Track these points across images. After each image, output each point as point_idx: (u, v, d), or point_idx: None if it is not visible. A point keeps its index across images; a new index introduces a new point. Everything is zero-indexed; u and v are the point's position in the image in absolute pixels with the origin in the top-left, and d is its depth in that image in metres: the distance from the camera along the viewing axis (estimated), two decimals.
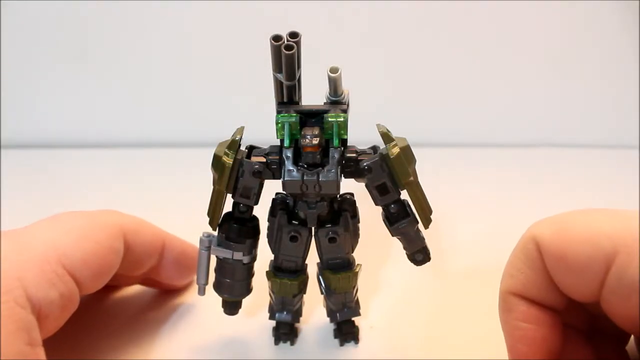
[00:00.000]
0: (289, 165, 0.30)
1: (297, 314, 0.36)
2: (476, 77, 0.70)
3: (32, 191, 0.62)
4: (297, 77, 0.30)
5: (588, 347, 0.28)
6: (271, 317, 0.36)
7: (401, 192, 0.32)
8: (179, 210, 0.50)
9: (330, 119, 0.30)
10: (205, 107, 0.72)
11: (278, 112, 0.31)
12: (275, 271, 0.35)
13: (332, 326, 0.37)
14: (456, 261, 0.45)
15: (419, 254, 0.33)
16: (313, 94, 0.32)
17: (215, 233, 0.33)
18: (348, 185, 0.32)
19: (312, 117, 0.31)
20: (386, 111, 0.68)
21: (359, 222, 0.34)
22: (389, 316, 0.39)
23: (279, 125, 0.30)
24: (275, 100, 0.31)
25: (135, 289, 0.41)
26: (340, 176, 0.31)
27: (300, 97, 0.31)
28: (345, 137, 0.30)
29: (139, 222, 0.36)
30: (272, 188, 0.33)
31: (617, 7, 0.66)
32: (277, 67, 0.29)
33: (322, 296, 0.36)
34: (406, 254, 0.33)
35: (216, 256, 0.34)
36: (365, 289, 0.38)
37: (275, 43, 0.29)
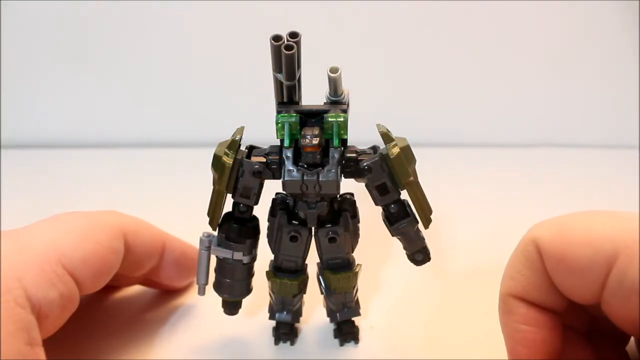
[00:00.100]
0: (289, 165, 0.30)
1: (297, 314, 0.36)
2: (476, 77, 0.70)
3: (32, 191, 0.62)
4: (297, 77, 0.30)
5: (588, 349, 0.28)
6: (271, 317, 0.36)
7: (401, 192, 0.32)
8: (179, 210, 0.50)
9: (330, 119, 0.30)
10: (205, 107, 0.72)
11: (278, 112, 0.31)
12: (275, 271, 0.35)
13: (332, 326, 0.37)
14: (456, 261, 0.45)
15: (419, 254, 0.33)
16: (313, 94, 0.32)
17: (215, 233, 0.33)
18: (348, 185, 0.32)
19: (312, 117, 0.31)
20: (386, 111, 0.68)
21: (359, 222, 0.34)
22: (389, 316, 0.39)
23: (279, 125, 0.30)
24: (275, 100, 0.31)
25: (135, 289, 0.41)
26: (340, 176, 0.31)
27: (300, 97, 0.31)
28: (345, 137, 0.30)
29: (139, 223, 0.36)
30: (272, 188, 0.33)
31: (617, 7, 0.66)
32: (277, 67, 0.29)
33: (322, 296, 0.36)
34: (406, 254, 0.33)
35: (216, 256, 0.34)
36: (365, 289, 0.38)
37: (275, 43, 0.29)
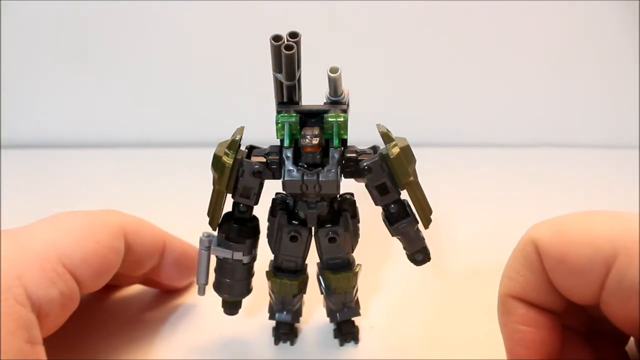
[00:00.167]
0: (289, 165, 0.30)
1: (297, 314, 0.36)
2: (476, 77, 0.70)
3: (32, 191, 0.62)
4: (297, 77, 0.30)
5: (587, 349, 0.28)
6: (271, 317, 0.36)
7: (401, 192, 0.32)
8: (179, 210, 0.50)
9: (330, 119, 0.30)
10: (205, 107, 0.72)
11: (278, 112, 0.31)
12: (275, 271, 0.35)
13: (332, 326, 0.37)
14: (456, 261, 0.45)
15: (419, 254, 0.33)
16: (313, 94, 0.32)
17: (215, 233, 0.33)
18: (348, 185, 0.32)
19: (312, 117, 0.31)
20: (386, 111, 0.68)
21: (359, 222, 0.34)
22: (389, 316, 0.39)
23: (279, 125, 0.30)
24: (275, 100, 0.31)
25: (135, 288, 0.41)
26: (340, 176, 0.31)
27: (300, 97, 0.31)
28: (345, 137, 0.30)
29: (140, 222, 0.36)
30: (272, 188, 0.33)
31: (617, 7, 0.66)
32: (277, 67, 0.29)
33: (322, 296, 0.36)
34: (406, 254, 0.33)
35: (216, 256, 0.34)
36: (365, 289, 0.38)
37: (275, 43, 0.29)
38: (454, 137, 0.72)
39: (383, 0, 0.66)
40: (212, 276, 0.34)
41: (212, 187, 0.32)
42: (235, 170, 0.31)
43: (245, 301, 0.35)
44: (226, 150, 0.31)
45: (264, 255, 0.35)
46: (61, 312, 0.29)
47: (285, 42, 0.28)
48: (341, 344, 0.36)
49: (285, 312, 0.36)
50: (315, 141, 0.30)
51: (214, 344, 0.36)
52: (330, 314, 0.36)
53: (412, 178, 0.31)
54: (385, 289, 0.42)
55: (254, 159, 0.32)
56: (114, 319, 0.38)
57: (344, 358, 0.35)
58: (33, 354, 0.26)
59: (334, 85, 0.30)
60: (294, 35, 0.29)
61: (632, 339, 0.28)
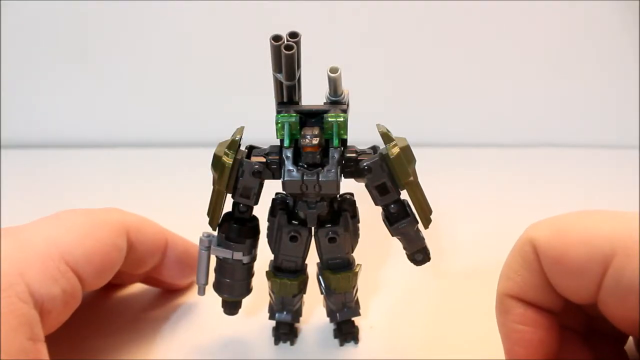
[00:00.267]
0: (288, 165, 0.30)
1: (297, 314, 0.36)
2: (476, 77, 0.70)
3: (32, 191, 0.62)
4: (297, 77, 0.30)
5: (586, 349, 0.28)
6: (271, 317, 0.36)
7: (401, 192, 0.32)
8: (179, 210, 0.50)
9: (330, 119, 0.30)
10: (206, 107, 0.72)
11: (278, 112, 0.31)
12: (275, 271, 0.35)
13: (332, 326, 0.37)
14: (456, 261, 0.45)
15: (418, 254, 0.33)
16: (313, 94, 0.32)
17: (215, 233, 0.33)
18: (348, 185, 0.32)
19: (312, 117, 0.31)
20: (386, 111, 0.68)
21: (359, 222, 0.34)
22: (389, 316, 0.39)
23: (279, 125, 0.30)
24: (275, 100, 0.31)
25: (136, 288, 0.41)
26: (340, 176, 0.31)
27: (300, 97, 0.31)
28: (345, 137, 0.30)
29: (142, 220, 0.36)
30: (272, 188, 0.33)
31: (617, 7, 0.66)
32: (277, 67, 0.29)
33: (322, 296, 0.36)
34: (406, 254, 0.33)
35: (216, 256, 0.34)
36: (365, 289, 0.38)
37: (275, 43, 0.29)
38: (454, 137, 0.72)
39: (383, 0, 0.66)
40: (212, 276, 0.34)
41: (212, 187, 0.32)
42: (235, 170, 0.31)
43: (245, 301, 0.35)
44: (226, 150, 0.31)
45: (264, 255, 0.35)
46: (63, 310, 0.29)
47: (285, 42, 0.28)
48: (341, 344, 0.36)
49: (285, 312, 0.36)
50: (315, 141, 0.30)
51: (214, 344, 0.36)
52: (330, 314, 0.36)
53: (412, 178, 0.31)
54: (385, 289, 0.42)
55: (253, 159, 0.32)
56: (115, 318, 0.38)
57: (344, 358, 0.35)
58: (35, 352, 0.26)
59: (334, 85, 0.30)
60: (294, 35, 0.29)
61: (631, 338, 0.28)
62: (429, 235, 0.33)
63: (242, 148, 0.32)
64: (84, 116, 0.74)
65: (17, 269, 0.27)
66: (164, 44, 0.70)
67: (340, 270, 0.34)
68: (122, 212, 0.35)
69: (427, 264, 0.33)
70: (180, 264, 0.38)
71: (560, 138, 0.71)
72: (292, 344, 0.36)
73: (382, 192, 0.31)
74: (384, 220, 0.32)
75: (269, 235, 0.34)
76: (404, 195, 0.32)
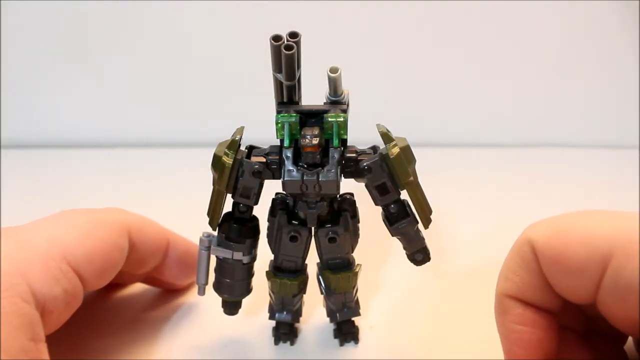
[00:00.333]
0: (288, 165, 0.30)
1: (297, 314, 0.36)
2: (476, 77, 0.70)
3: (32, 191, 0.62)
4: (297, 77, 0.30)
5: (585, 349, 0.28)
6: (271, 317, 0.36)
7: (401, 192, 0.32)
8: (179, 210, 0.50)
9: (330, 119, 0.30)
10: (206, 107, 0.72)
11: (278, 112, 0.31)
12: (275, 271, 0.35)
13: (332, 326, 0.37)
14: (456, 261, 0.45)
15: (418, 254, 0.33)
16: (313, 94, 0.32)
17: (215, 233, 0.33)
18: (348, 185, 0.32)
19: (312, 117, 0.31)
20: (386, 111, 0.68)
21: (359, 222, 0.34)
22: (389, 316, 0.39)
23: (279, 125, 0.30)
24: (275, 100, 0.31)
25: (136, 287, 0.41)
26: (340, 176, 0.31)
27: (300, 97, 0.31)
28: (345, 137, 0.30)
29: (144, 220, 0.36)
30: (272, 188, 0.33)
31: (617, 7, 0.66)
32: (277, 67, 0.29)
33: (322, 296, 0.36)
34: (406, 254, 0.33)
35: (216, 256, 0.34)
36: (365, 289, 0.38)
37: (275, 43, 0.29)
38: (454, 137, 0.72)
39: (383, 0, 0.66)
40: (212, 276, 0.34)
41: (212, 187, 0.32)
42: (235, 170, 0.31)
43: (245, 301, 0.35)
44: (226, 150, 0.31)
45: (264, 255, 0.35)
46: (65, 310, 0.29)
47: (285, 42, 0.28)
48: (341, 344, 0.36)
49: (285, 312, 0.36)
50: (315, 141, 0.30)
51: (214, 344, 0.36)
52: (330, 314, 0.36)
53: (412, 178, 0.31)
54: (385, 289, 0.42)
55: (253, 159, 0.32)
56: (115, 318, 0.38)
57: (344, 358, 0.35)
58: (35, 352, 0.26)
59: (334, 85, 0.30)
60: (294, 35, 0.29)
61: (630, 338, 0.28)
62: (429, 235, 0.33)
63: (242, 148, 0.32)
64: (84, 116, 0.74)
65: (19, 269, 0.27)
66: (164, 44, 0.70)
67: (340, 270, 0.34)
68: (124, 212, 0.35)
69: (427, 264, 0.33)
70: (181, 264, 0.38)
71: (560, 138, 0.71)
72: (292, 344, 0.36)
73: (382, 192, 0.31)
74: (384, 220, 0.32)
75: (269, 235, 0.34)
76: (404, 195, 0.32)
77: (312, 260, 0.35)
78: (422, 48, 0.69)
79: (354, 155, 0.31)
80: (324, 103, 0.31)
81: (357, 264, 0.35)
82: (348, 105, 0.31)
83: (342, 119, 0.30)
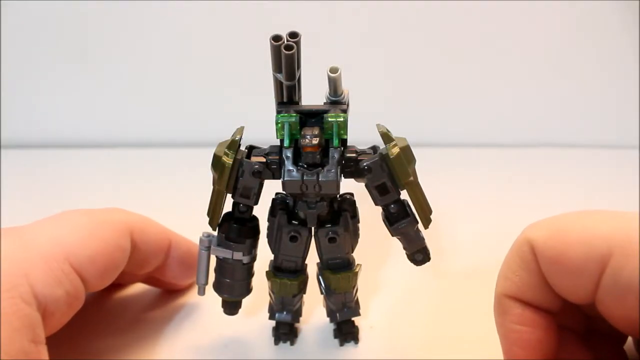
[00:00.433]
0: (288, 165, 0.30)
1: (297, 314, 0.36)
2: (476, 78, 0.70)
3: (32, 191, 0.62)
4: (297, 77, 0.30)
5: (585, 349, 0.28)
6: (271, 317, 0.36)
7: (401, 192, 0.32)
8: (179, 210, 0.50)
9: (330, 119, 0.30)
10: (206, 107, 0.72)
11: (278, 112, 0.31)
12: (275, 271, 0.35)
13: (332, 326, 0.37)
14: (456, 261, 0.45)
15: (418, 254, 0.33)
16: (313, 94, 0.32)
17: (215, 233, 0.33)
18: (348, 185, 0.32)
19: (312, 117, 0.31)
20: (386, 111, 0.68)
21: (359, 222, 0.34)
22: (389, 316, 0.39)
23: (279, 125, 0.30)
24: (275, 100, 0.31)
25: (136, 288, 0.41)
26: (340, 176, 0.31)
27: (300, 97, 0.31)
28: (345, 137, 0.30)
29: (146, 221, 0.36)
30: (272, 188, 0.33)
31: (617, 7, 0.66)
32: (277, 67, 0.29)
33: (322, 296, 0.36)
34: (406, 254, 0.33)
35: (216, 256, 0.34)
36: (365, 289, 0.38)
37: (275, 43, 0.29)
38: (454, 137, 0.72)
39: (383, 0, 0.66)
40: (212, 276, 0.34)
41: (212, 187, 0.32)
42: (235, 170, 0.31)
43: (245, 301, 0.35)
44: (226, 150, 0.31)
45: (264, 255, 0.35)
46: (66, 312, 0.29)
47: (285, 42, 0.28)
48: (341, 344, 0.36)
49: (285, 312, 0.36)
50: (315, 141, 0.30)
51: (214, 344, 0.36)
52: (330, 314, 0.36)
53: (412, 178, 0.31)
54: (385, 289, 0.42)
55: (253, 159, 0.32)
56: (115, 319, 0.38)
57: (344, 358, 0.35)
58: (35, 353, 0.26)
59: (334, 85, 0.30)
60: (293, 35, 0.29)
61: (630, 338, 0.28)
62: (429, 235, 0.33)
63: (242, 148, 0.32)
64: (84, 116, 0.74)
65: (22, 269, 0.27)
66: (164, 44, 0.70)
67: (340, 270, 0.34)
68: (126, 212, 0.35)
69: (427, 264, 0.33)
70: (182, 265, 0.38)
71: (560, 138, 0.71)
72: (292, 344, 0.36)
73: (382, 192, 0.31)
74: (384, 220, 0.32)
75: (269, 235, 0.34)
76: (404, 195, 0.32)
77: (312, 260, 0.35)
78: (422, 48, 0.69)
79: (354, 155, 0.31)
80: (324, 103, 0.31)
81: (357, 264, 0.35)
82: (348, 105, 0.31)
83: (342, 119, 0.30)
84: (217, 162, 0.31)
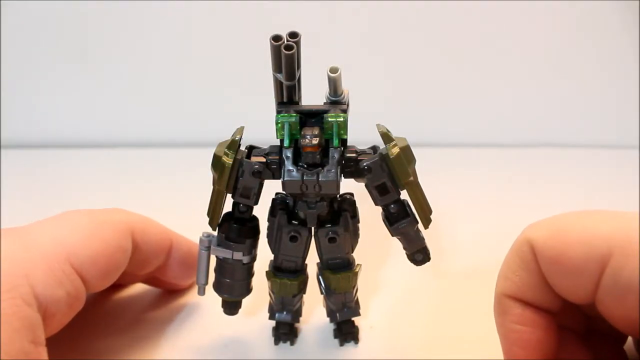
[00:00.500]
0: (288, 165, 0.30)
1: (297, 314, 0.36)
2: (476, 78, 0.70)
3: (32, 191, 0.62)
4: (297, 77, 0.30)
5: (585, 349, 0.28)
6: (271, 317, 0.36)
7: (401, 192, 0.32)
8: (179, 210, 0.50)
9: (330, 119, 0.30)
10: (206, 107, 0.72)
11: (278, 112, 0.31)
12: (275, 271, 0.35)
13: (332, 326, 0.37)
14: (456, 261, 0.45)
15: (418, 254, 0.33)
16: (313, 94, 0.32)
17: (215, 233, 0.33)
18: (348, 185, 0.32)
19: (312, 117, 0.31)
20: (386, 111, 0.68)
21: (359, 222, 0.34)
22: (389, 316, 0.39)
23: (279, 125, 0.30)
24: (275, 100, 0.31)
25: (136, 288, 0.41)
26: (340, 176, 0.31)
27: (300, 97, 0.31)
28: (345, 137, 0.30)
29: (147, 221, 0.36)
30: (272, 188, 0.33)
31: (617, 7, 0.66)
32: (277, 67, 0.29)
33: (322, 296, 0.36)
34: (406, 254, 0.33)
35: (216, 256, 0.34)
36: (365, 289, 0.38)
37: (275, 43, 0.29)
38: (454, 137, 0.72)
39: (383, 0, 0.66)
40: (212, 276, 0.34)
41: (212, 187, 0.32)
42: (235, 170, 0.31)
43: (245, 301, 0.35)
44: (226, 150, 0.31)
45: (264, 255, 0.35)
46: (67, 313, 0.29)
47: (285, 42, 0.28)
48: (341, 344, 0.36)
49: (285, 312, 0.36)
50: (315, 141, 0.30)
51: (214, 344, 0.36)
52: (330, 314, 0.36)
53: (412, 178, 0.31)
54: (385, 289, 0.42)
55: (253, 159, 0.32)
56: (115, 319, 0.38)
57: (344, 358, 0.35)
58: (35, 354, 0.26)
59: (334, 85, 0.30)
60: (293, 35, 0.29)
61: (630, 338, 0.28)
62: (429, 235, 0.33)
63: (242, 148, 0.32)
64: (84, 116, 0.74)
65: (22, 269, 0.27)
66: (164, 44, 0.70)
67: (340, 270, 0.34)
68: (127, 212, 0.35)
69: (427, 264, 0.33)
70: (184, 265, 0.38)
71: (560, 138, 0.71)
72: (292, 344, 0.36)
73: (382, 192, 0.31)
74: (384, 220, 0.32)
75: (269, 235, 0.34)
76: (404, 195, 0.32)
77: (312, 260, 0.35)
78: (422, 48, 0.69)
79: (354, 155, 0.31)
80: (324, 103, 0.31)
81: (357, 264, 0.35)
82: (348, 105, 0.31)
83: (342, 119, 0.30)
84: (217, 162, 0.31)
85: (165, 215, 0.40)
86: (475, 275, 0.42)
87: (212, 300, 0.35)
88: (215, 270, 0.34)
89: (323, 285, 0.35)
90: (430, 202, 0.32)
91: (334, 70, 0.29)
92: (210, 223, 0.33)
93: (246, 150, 0.32)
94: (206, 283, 0.34)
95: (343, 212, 0.33)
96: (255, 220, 0.34)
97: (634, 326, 0.23)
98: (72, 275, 0.29)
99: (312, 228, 0.33)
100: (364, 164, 0.30)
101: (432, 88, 0.71)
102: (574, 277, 0.24)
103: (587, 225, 0.24)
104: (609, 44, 0.68)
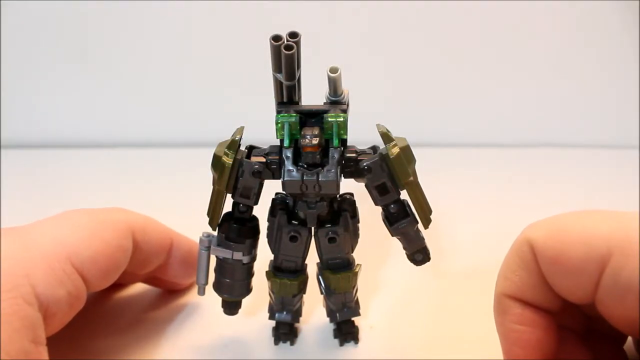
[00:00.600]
0: (288, 165, 0.30)
1: (297, 314, 0.36)
2: (476, 78, 0.70)
3: (32, 191, 0.62)
4: (297, 77, 0.30)
5: (584, 349, 0.28)
6: (271, 317, 0.36)
7: (401, 192, 0.32)
8: (179, 210, 0.50)
9: (330, 119, 0.30)
10: (206, 107, 0.72)
11: (278, 112, 0.31)
12: (275, 271, 0.35)
13: (332, 326, 0.37)
14: (456, 261, 0.45)
15: (418, 254, 0.33)
16: (313, 94, 0.32)
17: (215, 233, 0.33)
18: (348, 185, 0.32)
19: (312, 117, 0.31)
20: (386, 111, 0.68)
21: (359, 222, 0.34)
22: (389, 316, 0.39)
23: (279, 125, 0.30)
24: (275, 100, 0.31)
25: (137, 288, 0.41)
26: (340, 176, 0.31)
27: (300, 97, 0.31)
28: (345, 137, 0.30)
29: (147, 220, 0.36)
30: (272, 188, 0.33)
31: (617, 7, 0.66)
32: (277, 67, 0.29)
33: (322, 296, 0.36)
34: (406, 254, 0.33)
35: (216, 256, 0.34)
36: (365, 289, 0.38)
37: (275, 43, 0.29)
38: (454, 137, 0.72)
39: (383, 0, 0.66)
40: (212, 276, 0.34)
41: (212, 187, 0.32)
42: (235, 170, 0.31)
43: (245, 301, 0.35)
44: (226, 150, 0.31)
45: (264, 255, 0.35)
46: (68, 312, 0.29)
47: (285, 42, 0.28)
48: (341, 344, 0.36)
49: (285, 312, 0.36)
50: (315, 141, 0.30)
51: (214, 344, 0.36)
52: (330, 314, 0.36)
53: (412, 178, 0.31)
54: (385, 289, 0.42)
55: (253, 159, 0.32)
56: (115, 319, 0.38)
57: (344, 358, 0.35)
58: (36, 354, 0.26)
59: (334, 85, 0.30)
60: (293, 35, 0.29)
61: (630, 338, 0.28)
62: (429, 235, 0.33)
63: (242, 148, 0.32)
64: (84, 116, 0.74)
65: (23, 269, 0.27)
66: (164, 44, 0.70)
67: (340, 270, 0.34)
68: (127, 212, 0.35)
69: (427, 264, 0.33)
70: (184, 264, 0.38)
71: (560, 138, 0.71)
72: (292, 344, 0.36)
73: (382, 192, 0.31)
74: (384, 220, 0.32)
75: (269, 235, 0.34)
76: (404, 195, 0.32)
77: (312, 260, 0.35)
78: (422, 48, 0.69)
79: (353, 155, 0.31)
80: (324, 103, 0.31)
81: (357, 264, 0.35)
82: (348, 105, 0.31)
83: (342, 119, 0.30)
84: (217, 162, 0.31)
85: (166, 215, 0.40)
86: (475, 275, 0.42)
87: (212, 300, 0.35)
88: (215, 270, 0.34)
89: (323, 285, 0.35)
90: (430, 202, 0.32)
91: (334, 70, 0.29)
92: (210, 223, 0.33)
93: (246, 150, 0.32)
94: (206, 283, 0.34)
95: (343, 212, 0.33)
96: (255, 220, 0.34)
97: (634, 326, 0.23)
98: (72, 274, 0.29)
99: (312, 228, 0.33)
100: (364, 164, 0.30)
101: (432, 88, 0.71)
102: (574, 277, 0.24)
103: (587, 225, 0.24)
104: (609, 44, 0.68)
